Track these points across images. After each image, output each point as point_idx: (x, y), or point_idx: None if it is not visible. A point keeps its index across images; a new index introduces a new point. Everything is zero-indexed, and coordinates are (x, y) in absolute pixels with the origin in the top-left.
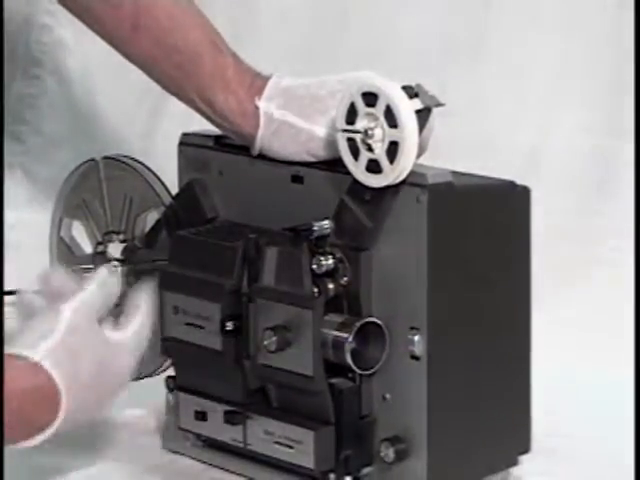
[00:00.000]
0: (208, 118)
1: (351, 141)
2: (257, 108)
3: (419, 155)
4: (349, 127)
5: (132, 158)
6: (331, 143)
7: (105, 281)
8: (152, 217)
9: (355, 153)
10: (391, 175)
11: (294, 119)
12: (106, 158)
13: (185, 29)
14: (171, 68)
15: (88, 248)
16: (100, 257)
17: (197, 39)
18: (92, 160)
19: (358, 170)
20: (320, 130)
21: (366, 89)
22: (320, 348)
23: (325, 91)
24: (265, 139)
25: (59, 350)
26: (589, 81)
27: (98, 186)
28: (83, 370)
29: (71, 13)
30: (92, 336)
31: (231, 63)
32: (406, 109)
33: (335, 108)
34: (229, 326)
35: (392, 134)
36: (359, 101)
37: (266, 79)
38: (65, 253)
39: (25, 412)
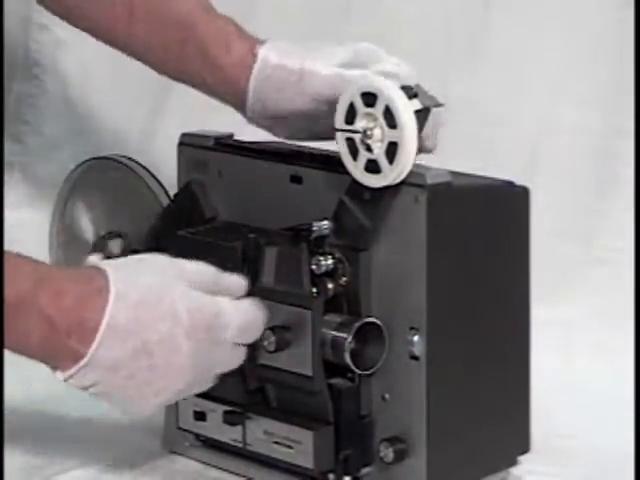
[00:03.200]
0: (204, 84)
1: (350, 141)
2: (255, 56)
3: (430, 151)
4: (348, 127)
5: (146, 169)
6: (327, 78)
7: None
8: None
9: (354, 153)
10: (390, 175)
11: (290, 62)
12: (130, 160)
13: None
14: (170, 40)
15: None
16: (100, 244)
17: (191, 6)
18: (117, 160)
19: (357, 170)
20: (314, 65)
21: (365, 89)
22: (319, 348)
23: (324, 46)
24: (259, 84)
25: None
26: (589, 81)
27: (116, 184)
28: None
29: (52, 12)
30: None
31: (231, 23)
32: (405, 110)
33: (332, 54)
34: None
35: (391, 135)
36: (358, 101)
37: (265, 41)
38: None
39: (77, 310)
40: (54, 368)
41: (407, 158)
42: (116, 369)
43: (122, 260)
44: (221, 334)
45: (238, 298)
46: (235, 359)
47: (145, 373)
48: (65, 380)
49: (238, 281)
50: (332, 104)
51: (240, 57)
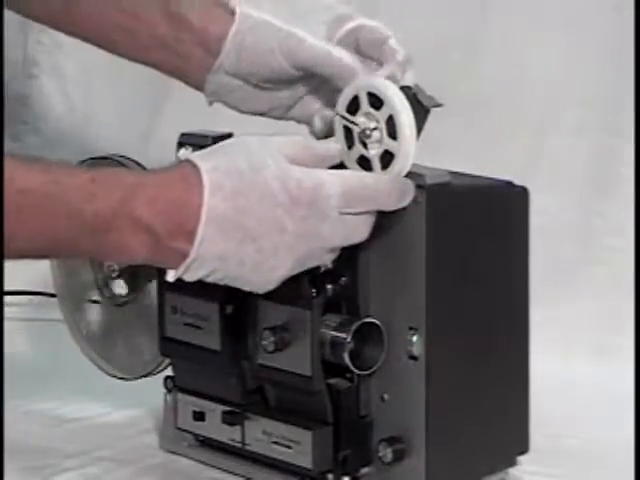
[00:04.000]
0: (166, 47)
1: (347, 130)
2: (232, 12)
3: None
4: (349, 117)
5: (137, 162)
6: (314, 48)
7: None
8: None
9: (349, 142)
10: None
11: (274, 20)
12: (129, 160)
13: None
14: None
15: None
16: None
17: None
18: (116, 160)
19: (348, 160)
20: (300, 32)
21: (373, 90)
22: (318, 348)
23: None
24: (238, 35)
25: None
26: (589, 81)
27: None
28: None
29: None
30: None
31: None
32: (409, 124)
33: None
34: (229, 309)
35: (390, 144)
36: (364, 98)
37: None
38: None
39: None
40: (165, 269)
41: (400, 169)
42: (225, 259)
43: (210, 149)
44: (324, 206)
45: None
46: (353, 231)
47: (254, 257)
48: (176, 278)
49: (333, 147)
50: (309, 79)
51: (210, 10)
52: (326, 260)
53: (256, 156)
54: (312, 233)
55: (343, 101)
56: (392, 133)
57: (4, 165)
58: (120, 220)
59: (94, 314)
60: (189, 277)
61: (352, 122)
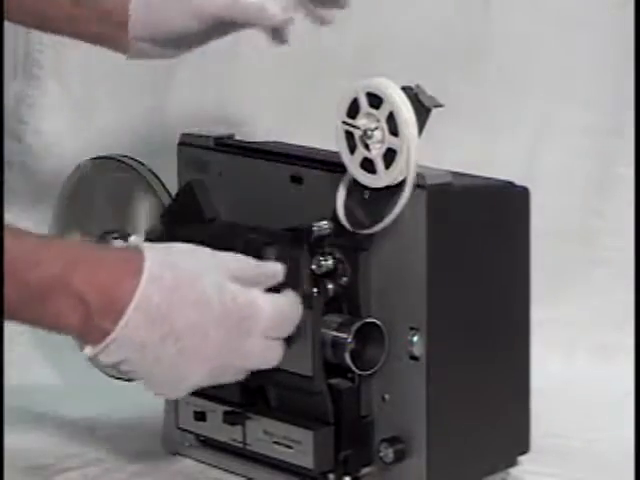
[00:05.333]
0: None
1: (349, 134)
2: None
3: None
4: (350, 121)
5: (148, 168)
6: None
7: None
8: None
9: (352, 147)
10: (385, 179)
11: None
12: (132, 159)
13: None
14: None
15: None
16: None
17: None
18: (118, 160)
19: (352, 165)
20: None
21: (372, 90)
22: (319, 348)
23: None
24: None
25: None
26: (589, 81)
27: (118, 184)
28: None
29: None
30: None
31: None
32: (410, 120)
33: None
34: None
35: (392, 141)
36: (363, 99)
37: None
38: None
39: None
40: (84, 344)
41: (404, 166)
42: (143, 350)
43: (165, 245)
44: (253, 325)
45: (275, 291)
46: (269, 355)
47: (172, 357)
48: (93, 356)
49: (275, 268)
50: (218, 25)
51: None
52: (231, 380)
53: (202, 262)
54: (233, 348)
55: (342, 106)
56: (393, 130)
57: None
58: (58, 290)
59: None
60: (104, 358)
61: (353, 126)
